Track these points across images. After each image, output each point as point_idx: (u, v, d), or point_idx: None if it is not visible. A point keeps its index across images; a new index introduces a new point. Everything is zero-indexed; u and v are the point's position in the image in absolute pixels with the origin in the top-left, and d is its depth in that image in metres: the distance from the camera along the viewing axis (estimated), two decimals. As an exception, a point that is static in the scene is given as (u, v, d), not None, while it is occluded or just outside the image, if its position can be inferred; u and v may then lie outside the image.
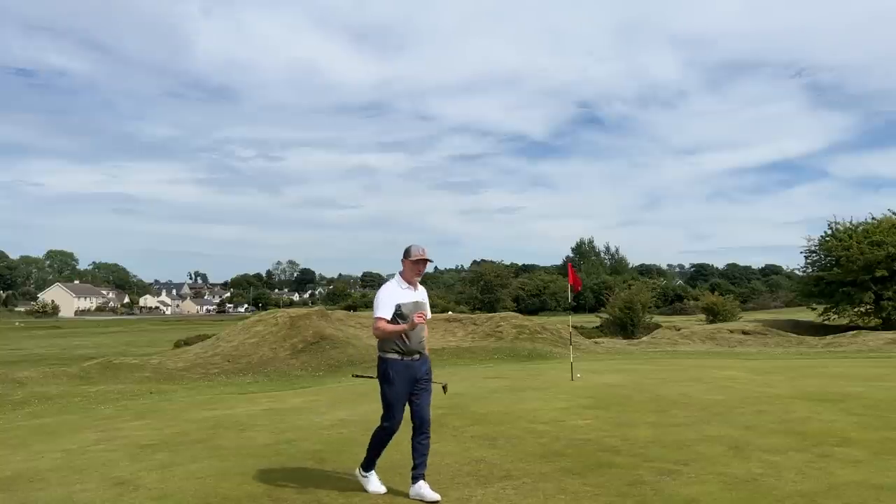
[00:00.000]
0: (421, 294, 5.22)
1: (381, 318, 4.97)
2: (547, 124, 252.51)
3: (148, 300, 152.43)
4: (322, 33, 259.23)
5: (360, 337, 23.28)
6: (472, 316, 32.86)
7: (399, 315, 4.99)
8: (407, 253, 5.14)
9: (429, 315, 5.22)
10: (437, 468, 5.72)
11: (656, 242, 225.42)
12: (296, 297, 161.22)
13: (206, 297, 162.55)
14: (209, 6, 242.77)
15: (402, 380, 5.02)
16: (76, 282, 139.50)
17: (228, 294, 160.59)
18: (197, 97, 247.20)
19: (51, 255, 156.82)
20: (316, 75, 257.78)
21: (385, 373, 5.04)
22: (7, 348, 39.83)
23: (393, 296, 5.05)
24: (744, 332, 30.20)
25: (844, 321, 33.36)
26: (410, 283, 5.15)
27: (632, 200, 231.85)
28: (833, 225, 34.78)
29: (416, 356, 5.10)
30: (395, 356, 5.04)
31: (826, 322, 34.70)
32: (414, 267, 5.12)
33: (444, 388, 5.41)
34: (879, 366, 15.24)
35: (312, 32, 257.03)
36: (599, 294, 72.64)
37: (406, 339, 5.01)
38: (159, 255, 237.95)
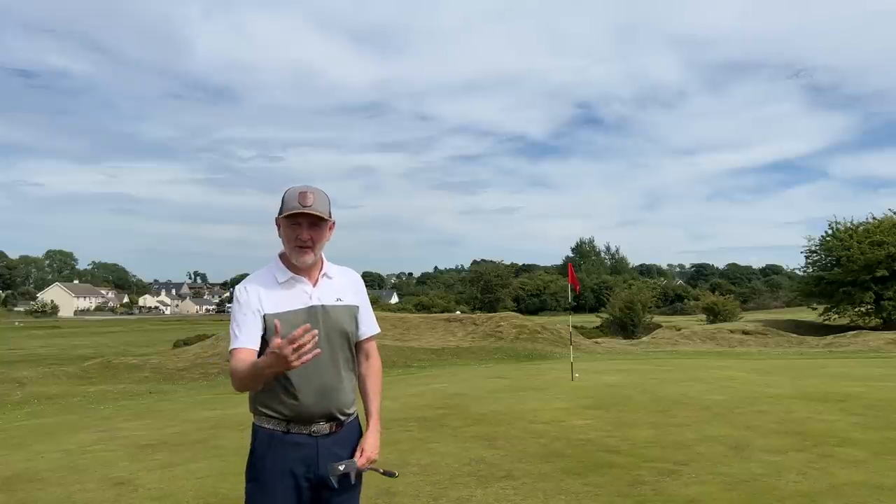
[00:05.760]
0: (327, 290, 2.46)
1: (236, 351, 2.30)
2: (546, 124, 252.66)
3: (147, 300, 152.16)
4: (322, 34, 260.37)
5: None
6: (472, 316, 32.85)
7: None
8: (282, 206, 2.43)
9: (367, 328, 2.56)
10: (437, 468, 5.72)
11: (656, 242, 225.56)
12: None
13: (205, 297, 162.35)
14: (209, 8, 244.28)
15: (281, 474, 2.38)
16: (76, 282, 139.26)
17: (228, 294, 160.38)
18: (197, 98, 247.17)
19: (50, 254, 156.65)
20: (316, 76, 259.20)
21: (250, 455, 2.50)
22: (7, 348, 39.80)
23: (252, 300, 2.36)
24: (744, 333, 30.22)
25: (845, 321, 33.42)
26: (295, 267, 2.43)
27: (631, 200, 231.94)
28: (833, 225, 34.87)
29: (323, 424, 2.40)
30: (271, 424, 2.43)
31: (826, 322, 34.74)
32: (289, 231, 2.40)
33: (388, 474, 2.57)
34: (880, 366, 15.25)
35: (312, 33, 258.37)
36: (599, 294, 72.71)
37: (291, 388, 2.34)
38: (159, 255, 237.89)
